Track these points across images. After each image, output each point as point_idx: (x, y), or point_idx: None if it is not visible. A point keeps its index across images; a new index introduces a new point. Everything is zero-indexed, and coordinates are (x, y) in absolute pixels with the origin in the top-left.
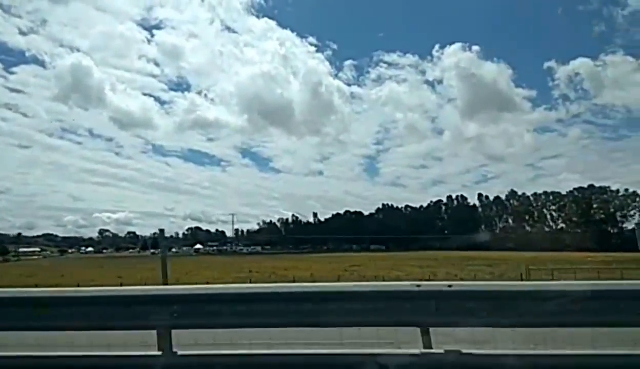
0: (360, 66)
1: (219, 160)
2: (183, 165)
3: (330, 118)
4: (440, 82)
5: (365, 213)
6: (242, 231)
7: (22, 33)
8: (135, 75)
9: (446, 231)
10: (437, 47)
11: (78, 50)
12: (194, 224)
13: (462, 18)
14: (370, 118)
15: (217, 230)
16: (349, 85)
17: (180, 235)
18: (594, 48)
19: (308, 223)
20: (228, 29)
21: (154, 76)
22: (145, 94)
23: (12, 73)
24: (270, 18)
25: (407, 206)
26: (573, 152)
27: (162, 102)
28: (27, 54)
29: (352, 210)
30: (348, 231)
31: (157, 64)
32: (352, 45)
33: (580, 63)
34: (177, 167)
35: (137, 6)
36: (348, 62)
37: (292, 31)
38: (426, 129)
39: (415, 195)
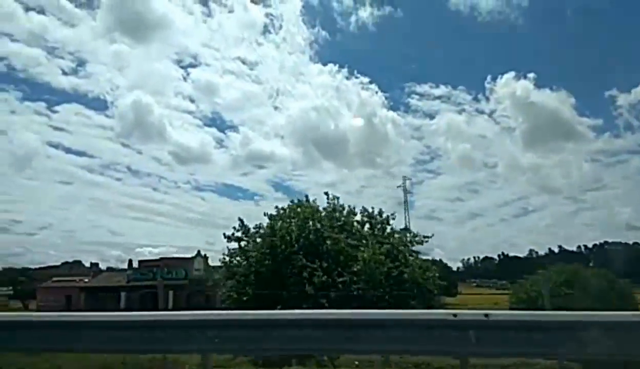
0: (394, 97)
1: (252, 194)
2: (218, 200)
3: (382, 150)
4: (494, 112)
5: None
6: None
7: (64, 73)
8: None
9: None
10: (488, 78)
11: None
12: None
13: (511, 47)
14: (406, 149)
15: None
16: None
17: None
18: None
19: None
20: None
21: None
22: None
23: (54, 112)
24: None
25: None
26: (625, 184)
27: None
28: (69, 93)
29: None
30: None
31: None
32: (385, 77)
33: None
34: (212, 201)
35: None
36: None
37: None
38: (473, 161)
39: (450, 229)
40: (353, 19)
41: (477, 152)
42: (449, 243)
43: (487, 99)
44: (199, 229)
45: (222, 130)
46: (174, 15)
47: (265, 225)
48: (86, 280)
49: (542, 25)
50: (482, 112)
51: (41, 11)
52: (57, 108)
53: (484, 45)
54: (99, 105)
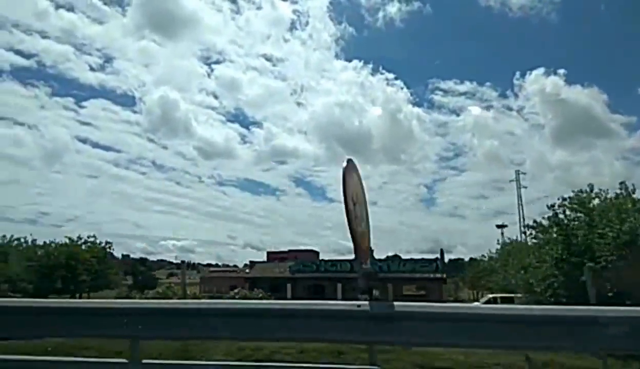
0: (419, 93)
1: (273, 189)
2: (240, 195)
3: (407, 146)
4: (522, 109)
5: None
6: None
7: (92, 69)
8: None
9: None
10: (517, 74)
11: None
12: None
13: (541, 43)
14: (431, 146)
15: None
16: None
17: None
18: None
19: None
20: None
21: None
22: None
23: (82, 107)
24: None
25: None
26: None
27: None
28: (96, 89)
29: None
30: None
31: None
32: (411, 73)
33: None
34: (235, 196)
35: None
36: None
37: (351, 60)
38: (499, 158)
39: (473, 226)
40: (380, 14)
41: (504, 148)
42: (472, 241)
43: (516, 96)
44: (221, 223)
45: (245, 126)
46: (203, 13)
47: (561, 215)
48: (247, 271)
49: (575, 21)
50: (510, 109)
51: (71, 9)
52: (84, 103)
53: (514, 41)
54: (126, 100)
